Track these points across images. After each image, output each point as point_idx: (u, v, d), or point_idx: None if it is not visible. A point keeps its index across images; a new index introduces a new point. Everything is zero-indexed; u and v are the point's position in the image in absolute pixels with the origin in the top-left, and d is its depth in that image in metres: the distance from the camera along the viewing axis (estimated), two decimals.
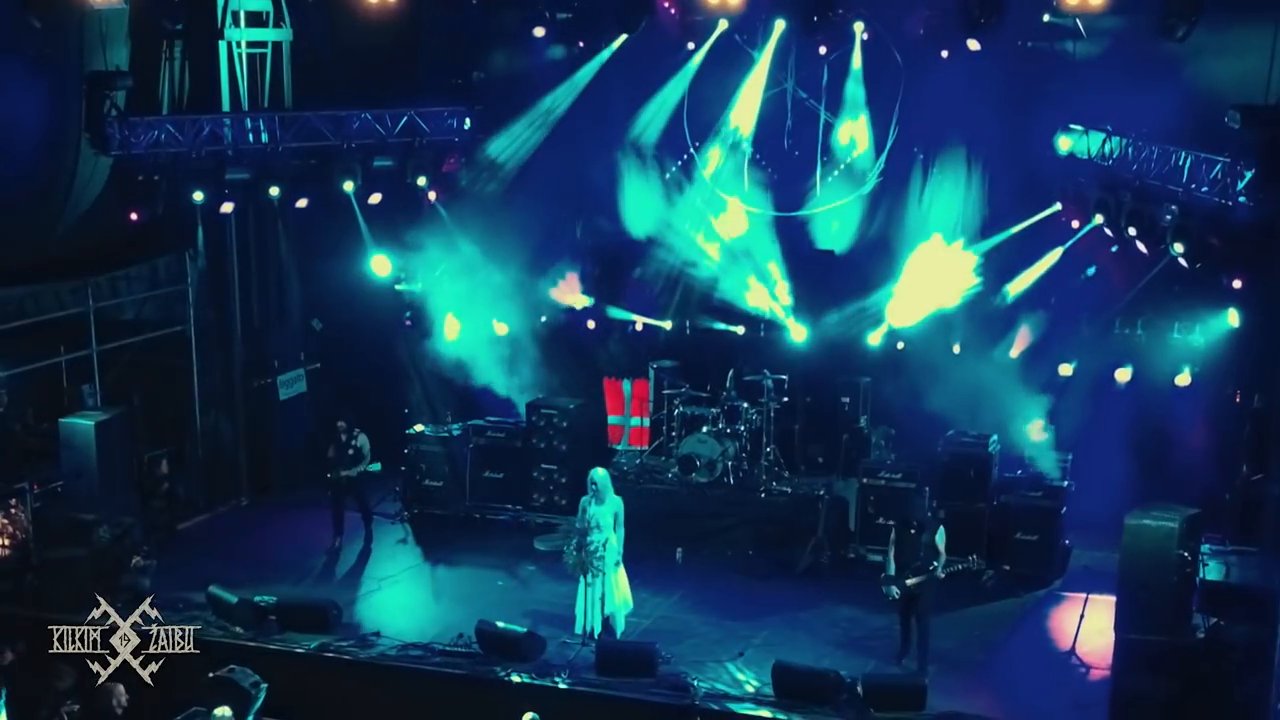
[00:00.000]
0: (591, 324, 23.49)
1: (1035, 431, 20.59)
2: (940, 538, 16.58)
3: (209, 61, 21.55)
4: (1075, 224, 20.02)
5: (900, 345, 22.17)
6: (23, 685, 15.63)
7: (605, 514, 17.39)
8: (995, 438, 20.20)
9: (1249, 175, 15.64)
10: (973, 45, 20.33)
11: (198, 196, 20.09)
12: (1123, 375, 20.78)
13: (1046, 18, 20.61)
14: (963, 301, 21.15)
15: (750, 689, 16.48)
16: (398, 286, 23.56)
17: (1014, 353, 21.27)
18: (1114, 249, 19.87)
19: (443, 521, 21.73)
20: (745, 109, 22.55)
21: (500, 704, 16.38)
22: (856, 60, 21.87)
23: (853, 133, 22.53)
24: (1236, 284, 16.23)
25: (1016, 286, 21.10)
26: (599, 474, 17.64)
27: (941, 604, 18.37)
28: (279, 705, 15.99)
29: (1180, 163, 17.20)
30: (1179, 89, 18.71)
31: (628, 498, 18.64)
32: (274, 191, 20.64)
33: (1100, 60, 20.10)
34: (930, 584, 16.51)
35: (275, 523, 21.96)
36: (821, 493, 20.46)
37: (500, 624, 17.30)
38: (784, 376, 21.26)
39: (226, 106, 21.49)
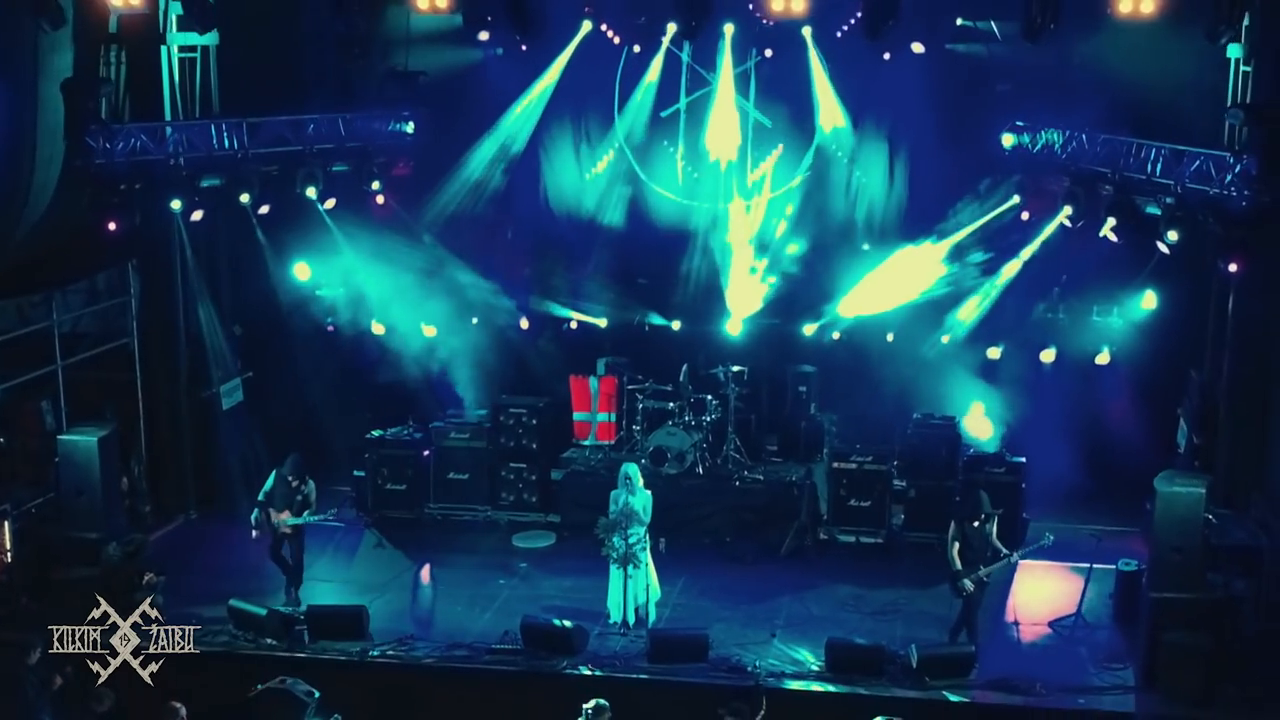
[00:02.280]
0: (525, 323, 23.77)
1: (974, 412, 21.90)
2: (993, 528, 17.37)
3: (151, 67, 20.92)
4: (1026, 215, 21.35)
5: (836, 335, 23.21)
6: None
7: (643, 508, 17.85)
8: (959, 419, 21.34)
9: (1238, 167, 17.10)
10: (917, 48, 21.58)
11: (175, 205, 19.68)
12: (1047, 356, 22.21)
13: (959, 21, 22.01)
14: (922, 297, 22.18)
15: (800, 666, 17.22)
16: (318, 292, 23.41)
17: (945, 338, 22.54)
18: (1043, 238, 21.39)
19: (408, 525, 21.76)
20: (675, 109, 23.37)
21: (560, 697, 16.71)
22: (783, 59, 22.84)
23: (780, 130, 23.42)
24: (1233, 268, 17.63)
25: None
26: (633, 468, 18.14)
27: (930, 578, 19.66)
28: (335, 713, 15.99)
29: (1152, 156, 18.64)
30: (1108, 84, 20.42)
31: (602, 492, 19.17)
32: (244, 198, 20.30)
33: (1028, 60, 21.32)
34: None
35: (232, 536, 21.39)
36: (797, 479, 21.28)
37: (548, 619, 17.60)
38: (744, 368, 22.01)
39: (168, 113, 21.00)
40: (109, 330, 21.99)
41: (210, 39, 21.78)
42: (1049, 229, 20.79)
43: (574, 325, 23.90)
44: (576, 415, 22.59)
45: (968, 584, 17.09)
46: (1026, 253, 21.44)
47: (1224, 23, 16.01)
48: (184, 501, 22.18)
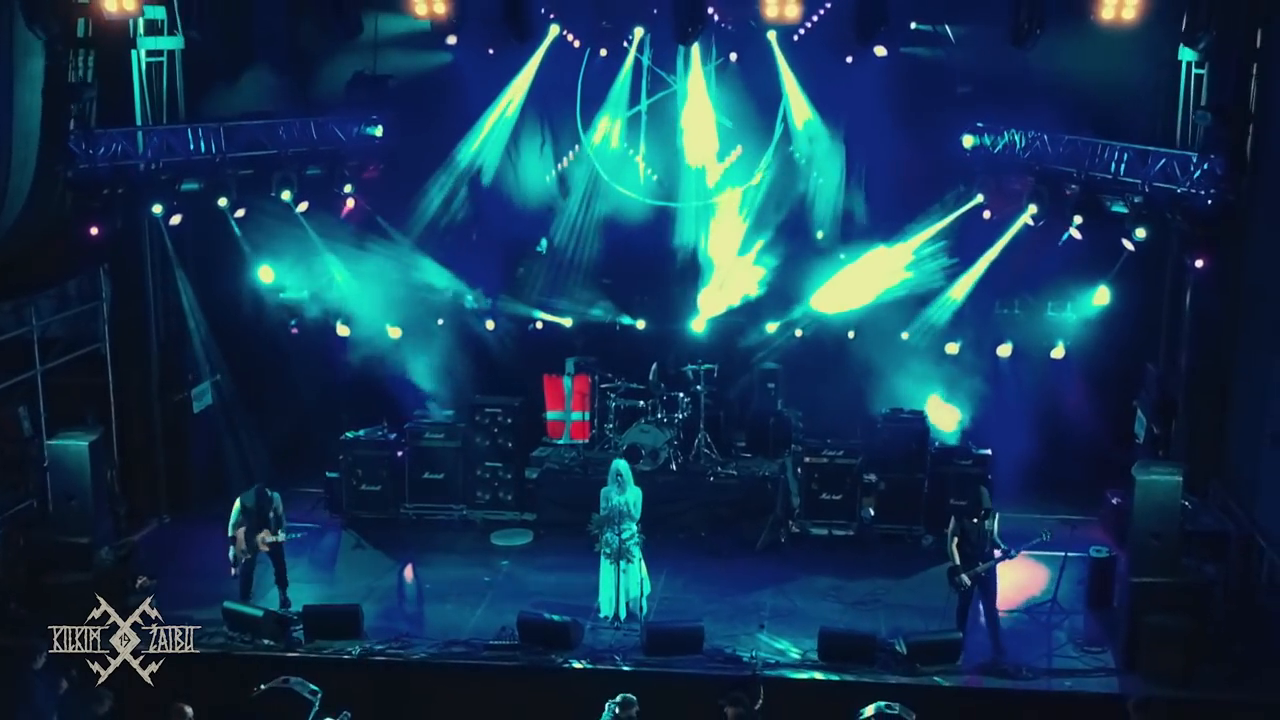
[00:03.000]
0: (491, 324, 24.00)
1: (935, 405, 22.49)
2: (994, 524, 17.74)
3: (121, 71, 20.90)
4: (988, 214, 21.98)
5: (799, 333, 23.69)
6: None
7: (634, 504, 18.20)
8: (925, 413, 21.90)
9: (1205, 166, 17.81)
10: (879, 51, 22.09)
11: (157, 209, 19.73)
12: (1004, 351, 22.85)
13: (913, 25, 22.58)
14: (885, 297, 22.76)
15: (793, 656, 17.70)
16: (281, 295, 23.51)
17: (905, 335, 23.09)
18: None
19: (385, 525, 21.93)
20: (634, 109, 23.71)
21: (558, 691, 17.14)
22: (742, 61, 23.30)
23: (739, 130, 23.81)
24: (1199, 264, 18.31)
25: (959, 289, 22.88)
26: (623, 464, 18.47)
27: (904, 569, 20.24)
28: (340, 711, 16.16)
29: (1116, 156, 19.33)
30: (1062, 85, 21.11)
31: (579, 489, 20.06)
32: (223, 202, 20.41)
33: (986, 62, 21.93)
34: (993, 568, 17.73)
35: (207, 538, 21.32)
36: (771, 474, 21.75)
37: (545, 614, 17.90)
38: (713, 366, 22.42)
39: (139, 118, 21.01)
40: (80, 335, 21.85)
41: (175, 42, 21.76)
42: (1014, 228, 21.31)
43: (539, 325, 24.10)
44: (550, 414, 22.81)
45: (965, 579, 17.50)
46: (993, 253, 21.90)
47: (1202, 29, 16.62)
48: (157, 505, 22.15)
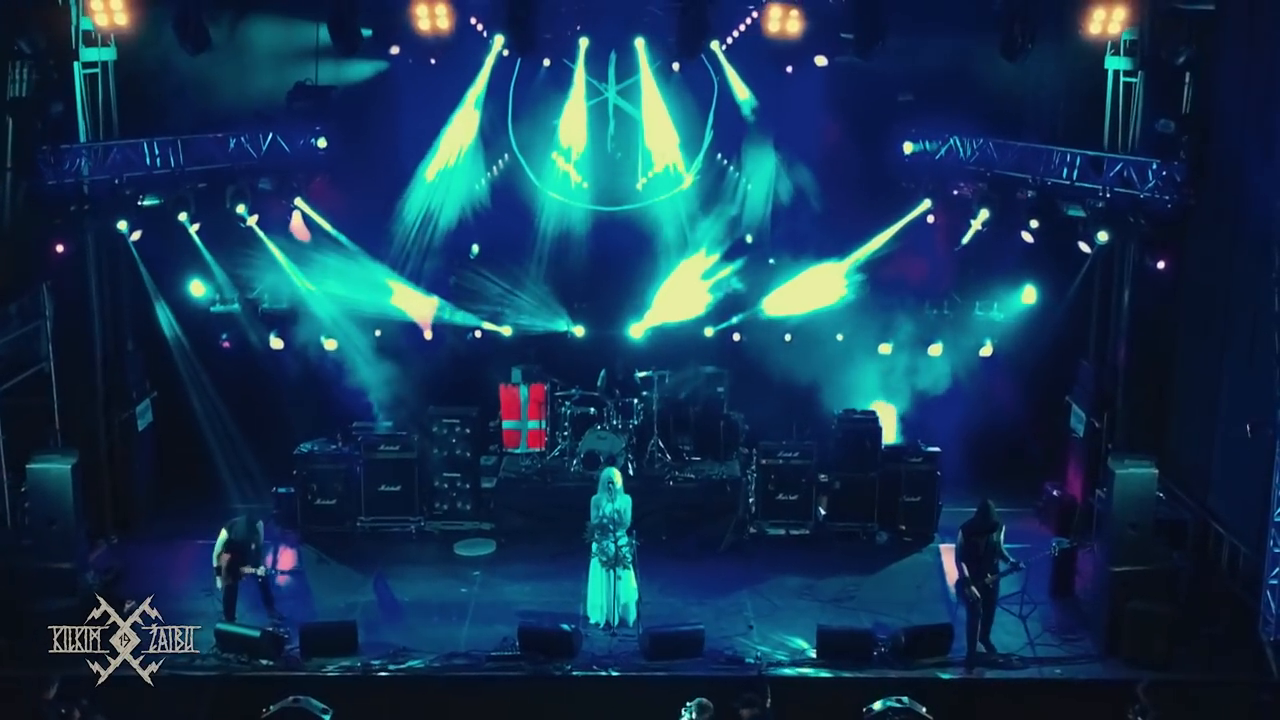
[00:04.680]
0: (429, 334, 23.92)
1: (877, 406, 23.15)
2: (1001, 536, 18.08)
3: (64, 84, 20.38)
4: (931, 219, 22.66)
5: (737, 337, 24.09)
6: None
7: (626, 511, 18.42)
8: (876, 414, 22.50)
9: (1164, 172, 18.69)
10: (820, 61, 22.59)
11: (122, 225, 19.35)
12: (935, 350, 23.57)
13: (843, 35, 23.08)
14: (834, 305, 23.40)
15: (788, 655, 18.14)
16: (213, 309, 23.21)
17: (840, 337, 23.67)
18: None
19: (342, 539, 21.77)
20: (569, 117, 23.78)
21: (563, 699, 17.36)
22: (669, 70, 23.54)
23: (669, 138, 24.05)
24: (1160, 265, 19.17)
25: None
26: (615, 474, 18.67)
27: (867, 565, 20.87)
28: None
29: (1067, 161, 20.14)
30: (998, 92, 21.95)
31: (537, 498, 20.75)
32: (183, 216, 20.11)
33: (925, 71, 22.59)
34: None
35: (156, 559, 21.08)
36: (728, 476, 22.12)
37: (546, 623, 18.05)
38: (665, 372, 22.73)
39: (83, 132, 20.51)
40: (19, 356, 21.18)
41: (109, 54, 21.27)
42: (969, 234, 22.03)
43: (478, 334, 24.07)
44: (506, 424, 22.92)
45: (975, 592, 17.79)
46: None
47: (1184, 42, 17.42)
48: (104, 526, 21.56)
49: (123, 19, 18.79)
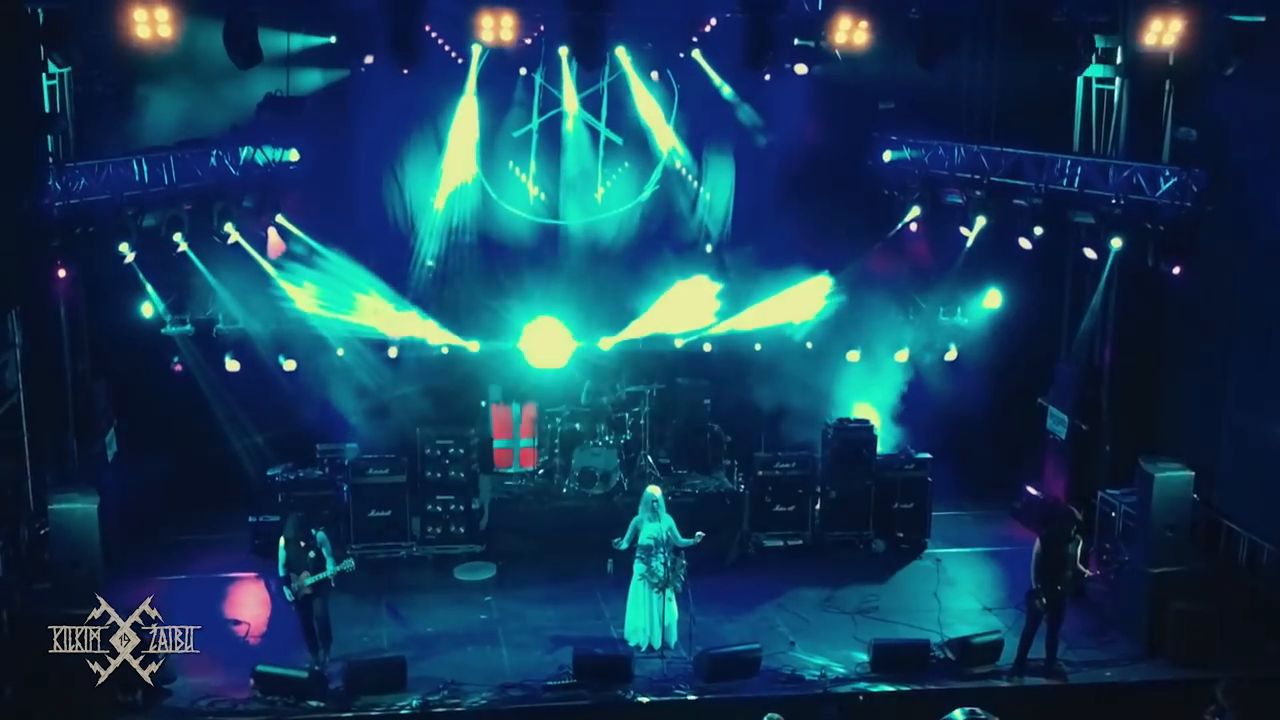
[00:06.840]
0: (393, 352, 23.17)
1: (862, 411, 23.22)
2: (1078, 549, 17.80)
3: (32, 96, 19.12)
4: (915, 227, 22.83)
5: (707, 348, 23.88)
6: None
7: (674, 531, 18.06)
8: (870, 422, 22.51)
9: (1173, 181, 19.08)
10: (800, 69, 22.53)
11: (123, 248, 18.27)
12: (901, 356, 23.75)
13: (796, 41, 23.09)
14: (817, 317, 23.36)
15: (840, 669, 17.97)
16: (164, 330, 22.12)
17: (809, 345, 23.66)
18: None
19: None
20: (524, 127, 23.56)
21: None
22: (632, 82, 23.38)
23: (629, 148, 23.97)
24: (1175, 270, 19.51)
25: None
26: (658, 494, 18.26)
27: (876, 574, 20.94)
28: None
29: (1067, 169, 20.42)
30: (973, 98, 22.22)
31: (533, 519, 20.58)
32: (177, 236, 19.08)
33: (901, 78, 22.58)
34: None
35: (137, 592, 19.89)
36: (728, 489, 21.93)
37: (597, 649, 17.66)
38: (655, 385, 22.44)
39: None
40: None
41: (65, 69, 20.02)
42: (969, 242, 22.17)
43: (445, 350, 23.39)
44: (497, 443, 22.36)
45: (1043, 602, 17.60)
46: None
47: (1234, 52, 17.71)
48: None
49: (166, 30, 17.59)
